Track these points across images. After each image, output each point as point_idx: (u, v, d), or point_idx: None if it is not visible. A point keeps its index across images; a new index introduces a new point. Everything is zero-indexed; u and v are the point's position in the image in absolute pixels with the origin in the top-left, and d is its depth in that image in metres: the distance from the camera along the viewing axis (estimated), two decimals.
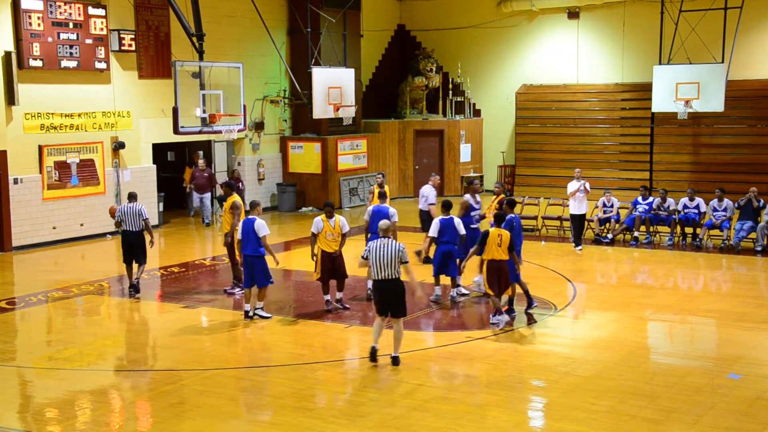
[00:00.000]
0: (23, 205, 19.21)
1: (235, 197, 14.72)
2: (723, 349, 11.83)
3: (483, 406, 9.55)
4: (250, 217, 13.26)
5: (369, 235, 14.11)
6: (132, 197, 15.18)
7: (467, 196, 15.36)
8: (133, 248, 14.90)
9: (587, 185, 18.53)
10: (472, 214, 15.19)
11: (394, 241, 10.80)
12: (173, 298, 14.95)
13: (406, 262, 10.74)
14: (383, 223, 11.02)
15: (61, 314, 14.27)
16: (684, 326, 13.04)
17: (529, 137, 28.18)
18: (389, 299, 10.78)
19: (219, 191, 23.21)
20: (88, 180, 20.40)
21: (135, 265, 15.00)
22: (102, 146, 20.67)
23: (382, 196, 15.29)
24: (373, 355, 10.84)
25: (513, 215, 13.57)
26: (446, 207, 14.04)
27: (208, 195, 22.86)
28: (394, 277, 10.70)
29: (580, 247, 18.60)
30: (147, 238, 14.96)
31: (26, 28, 18.67)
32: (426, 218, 17.00)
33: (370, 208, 14.67)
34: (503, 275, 12.51)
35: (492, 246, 12.37)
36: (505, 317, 12.77)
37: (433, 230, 13.92)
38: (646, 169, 26.31)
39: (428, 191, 17.31)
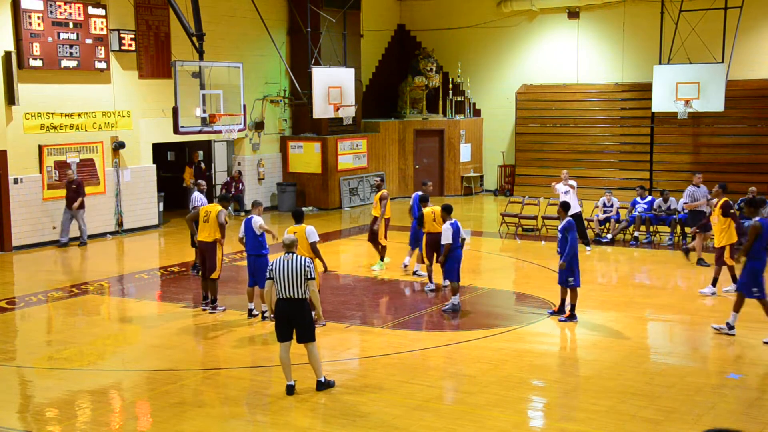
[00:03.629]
0: (23, 205, 19.22)
1: (208, 207, 14.00)
2: (723, 349, 11.83)
3: (483, 406, 9.54)
4: (249, 216, 13.25)
5: (412, 219, 16.39)
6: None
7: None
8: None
9: (574, 183, 18.87)
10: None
11: (298, 257, 9.86)
12: (173, 298, 14.97)
13: (312, 279, 9.79)
14: (287, 238, 10.13)
15: (61, 314, 14.27)
16: (684, 326, 13.03)
17: (529, 137, 28.17)
18: (293, 321, 9.79)
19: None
20: (88, 180, 20.38)
21: None
22: (102, 146, 20.68)
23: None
24: (290, 391, 9.91)
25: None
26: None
27: (81, 211, 19.62)
28: (299, 296, 9.72)
29: (589, 248, 18.54)
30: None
31: (26, 27, 18.67)
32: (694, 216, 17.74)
33: (414, 195, 16.55)
34: (439, 246, 14.23)
35: (429, 222, 14.72)
36: (432, 285, 14.78)
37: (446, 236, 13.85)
38: (646, 169, 26.30)
39: (691, 191, 17.73)
